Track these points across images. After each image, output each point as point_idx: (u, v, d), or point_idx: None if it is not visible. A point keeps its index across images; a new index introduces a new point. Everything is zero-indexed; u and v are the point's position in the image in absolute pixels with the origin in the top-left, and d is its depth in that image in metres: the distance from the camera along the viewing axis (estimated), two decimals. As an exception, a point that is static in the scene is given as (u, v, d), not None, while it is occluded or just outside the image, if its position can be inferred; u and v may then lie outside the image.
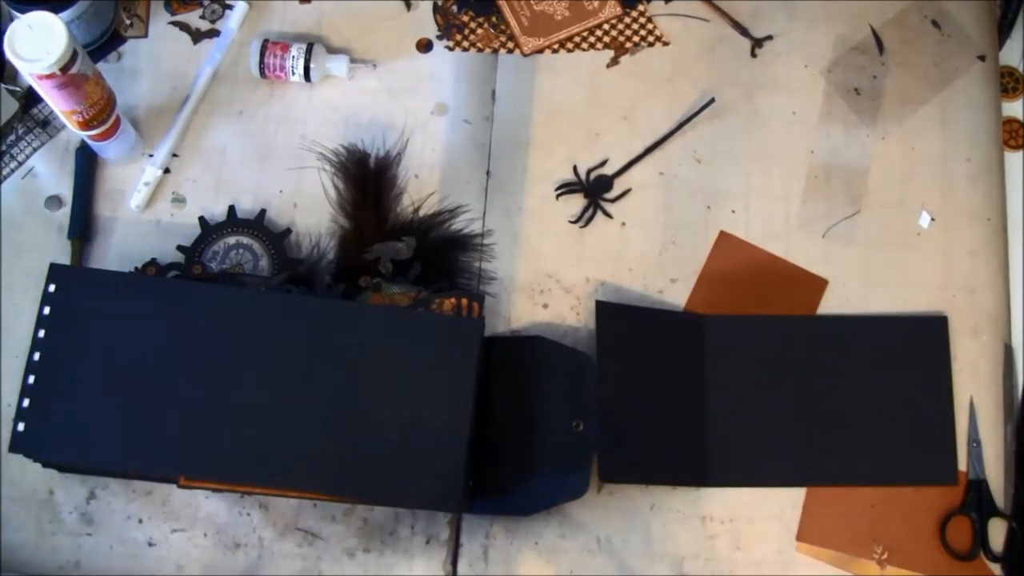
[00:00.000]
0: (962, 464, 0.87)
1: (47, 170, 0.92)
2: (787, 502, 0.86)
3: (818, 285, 0.92)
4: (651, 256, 0.92)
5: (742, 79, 0.97)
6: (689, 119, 0.95)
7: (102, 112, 0.85)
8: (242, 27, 0.97)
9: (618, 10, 0.99)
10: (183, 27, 0.97)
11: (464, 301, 0.83)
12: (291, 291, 0.83)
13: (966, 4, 1.00)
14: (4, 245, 0.90)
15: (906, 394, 0.88)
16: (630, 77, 0.97)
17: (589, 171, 0.94)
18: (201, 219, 0.90)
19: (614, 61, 0.98)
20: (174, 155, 0.93)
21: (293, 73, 0.93)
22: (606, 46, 0.98)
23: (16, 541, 0.82)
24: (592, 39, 0.98)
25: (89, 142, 0.89)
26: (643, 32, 0.99)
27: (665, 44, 0.98)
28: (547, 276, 0.91)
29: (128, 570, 0.82)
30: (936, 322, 0.90)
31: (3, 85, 0.93)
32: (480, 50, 0.98)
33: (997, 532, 0.85)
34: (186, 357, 0.78)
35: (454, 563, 0.83)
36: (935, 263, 0.93)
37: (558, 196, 0.93)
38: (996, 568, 0.85)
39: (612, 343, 0.85)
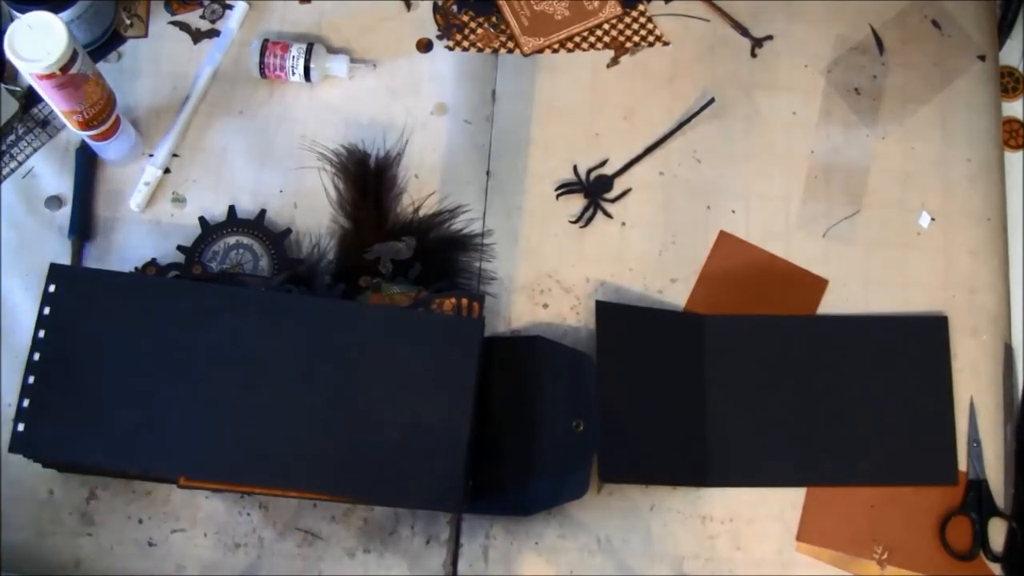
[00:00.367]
0: (962, 464, 0.87)
1: (47, 170, 0.92)
2: (787, 502, 0.86)
3: (818, 285, 0.92)
4: (651, 256, 0.92)
5: (742, 79, 0.97)
6: (689, 119, 0.95)
7: (102, 112, 0.85)
8: (242, 27, 0.97)
9: (618, 10, 0.99)
10: (183, 27, 0.97)
11: (464, 301, 0.83)
12: (291, 291, 0.83)
13: (966, 4, 1.00)
14: (4, 245, 0.90)
15: (906, 394, 0.88)
16: (630, 77, 0.97)
17: (589, 171, 0.94)
18: (201, 219, 0.90)
19: (614, 61, 0.98)
20: (174, 155, 0.93)
21: (293, 73, 0.93)
22: (606, 46, 0.98)
23: (16, 541, 0.82)
24: (592, 39, 0.98)
25: (89, 142, 0.89)
26: (643, 32, 0.99)
27: (665, 44, 0.98)
28: (547, 276, 0.91)
29: (128, 570, 0.82)
30: (936, 322, 0.90)
31: (3, 85, 0.93)
32: (480, 50, 0.98)
33: (997, 532, 0.85)
34: (186, 357, 0.78)
35: (454, 563, 0.83)
36: (935, 263, 0.93)
37: (558, 196, 0.93)
38: (996, 568, 0.85)
39: (612, 343, 0.85)
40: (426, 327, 0.80)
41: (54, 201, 0.91)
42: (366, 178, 0.92)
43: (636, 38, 0.98)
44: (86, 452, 0.77)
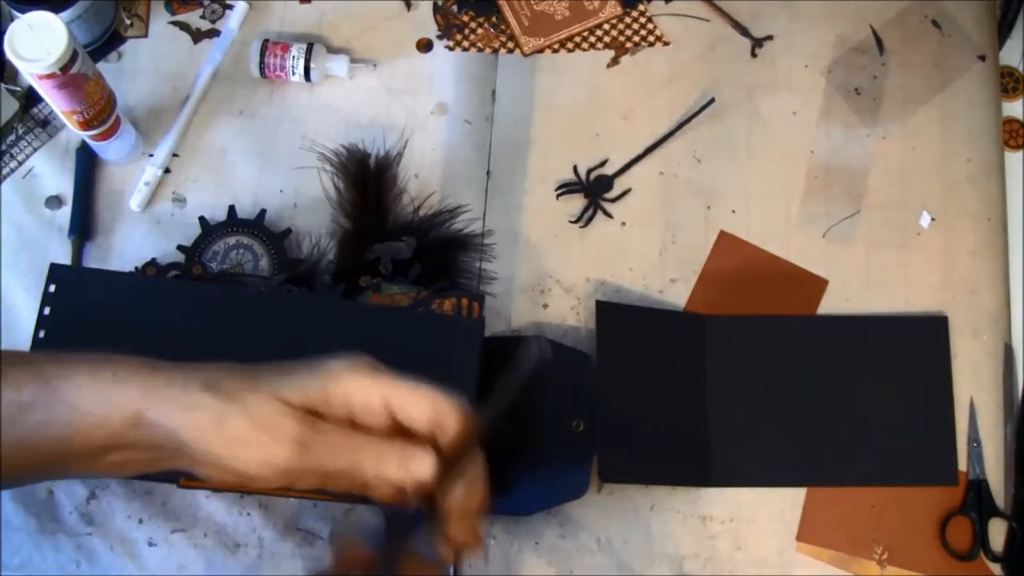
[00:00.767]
0: (962, 464, 0.87)
1: (47, 170, 0.92)
2: (787, 502, 0.86)
3: (818, 285, 0.92)
4: (651, 256, 0.92)
5: (742, 79, 0.97)
6: (689, 119, 0.95)
7: (102, 112, 0.85)
8: (242, 27, 0.97)
9: (618, 10, 0.99)
10: (183, 27, 0.97)
11: (464, 301, 0.83)
12: (291, 291, 0.83)
13: (966, 4, 1.00)
14: (4, 245, 0.90)
15: (906, 394, 0.88)
16: (630, 77, 0.97)
17: (589, 171, 0.94)
18: (201, 219, 0.90)
19: (614, 61, 0.98)
20: (174, 155, 0.93)
21: (293, 73, 0.93)
22: (606, 46, 0.98)
23: (16, 541, 0.82)
24: (592, 39, 0.98)
25: (89, 142, 0.89)
26: (643, 32, 0.99)
27: (665, 44, 0.98)
28: (547, 276, 0.91)
29: (128, 570, 0.82)
30: (936, 322, 0.90)
31: (3, 85, 0.93)
32: (480, 50, 0.98)
33: (997, 532, 0.85)
34: (186, 357, 0.78)
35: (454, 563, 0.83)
36: (935, 263, 0.93)
37: (558, 196, 0.93)
38: (996, 568, 0.85)
39: (612, 343, 0.85)
40: (426, 327, 0.80)
41: (54, 201, 0.91)
42: (366, 178, 0.92)
43: (636, 38, 0.98)
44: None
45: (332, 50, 0.96)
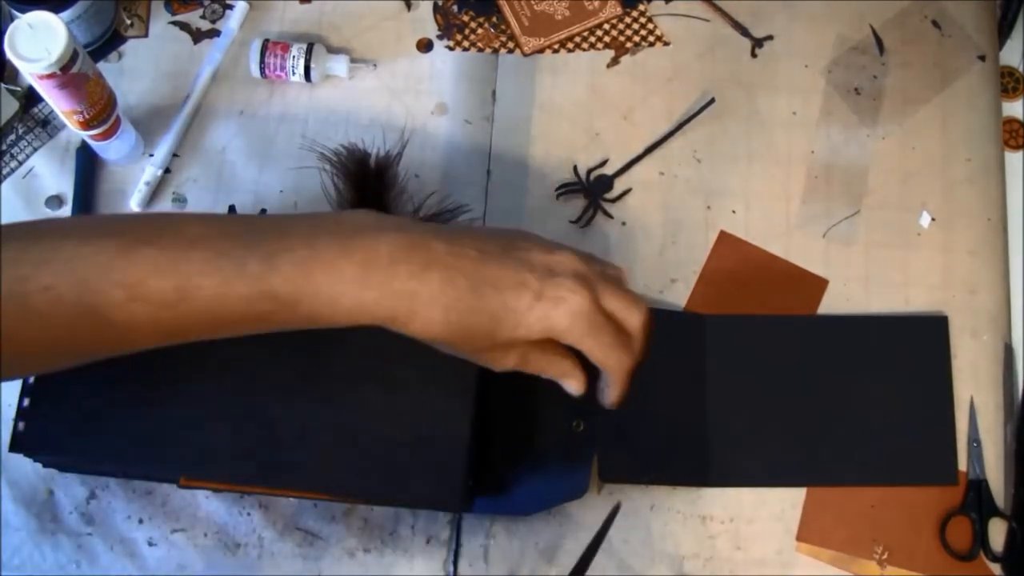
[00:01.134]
0: (962, 464, 0.87)
1: (47, 170, 0.92)
2: (787, 502, 0.86)
3: (818, 285, 0.92)
4: (651, 256, 0.92)
5: (742, 79, 0.97)
6: (689, 119, 0.95)
7: (102, 112, 0.85)
8: (242, 27, 0.97)
9: (618, 10, 0.99)
10: (183, 27, 0.97)
11: (464, 301, 0.83)
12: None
13: (966, 4, 1.00)
14: (4, 245, 0.90)
15: (906, 394, 0.88)
16: (630, 77, 0.97)
17: (589, 171, 0.94)
18: (201, 219, 0.90)
19: (614, 61, 0.98)
20: (174, 155, 0.93)
21: (293, 73, 0.93)
22: (606, 46, 0.98)
23: (16, 541, 0.82)
24: (592, 39, 0.98)
25: (89, 142, 0.89)
26: (643, 32, 0.99)
27: (665, 44, 0.98)
28: (547, 276, 0.91)
29: (128, 570, 0.82)
30: (936, 322, 0.90)
31: (3, 85, 0.93)
32: (480, 50, 0.98)
33: (997, 532, 0.85)
34: (186, 357, 0.78)
35: (454, 563, 0.83)
36: (935, 263, 0.93)
37: (558, 196, 0.93)
38: (996, 568, 0.85)
39: (612, 343, 0.85)
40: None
41: (54, 201, 0.91)
42: (366, 178, 0.92)
43: (636, 38, 0.98)
44: (86, 452, 0.77)
45: (332, 50, 0.96)
